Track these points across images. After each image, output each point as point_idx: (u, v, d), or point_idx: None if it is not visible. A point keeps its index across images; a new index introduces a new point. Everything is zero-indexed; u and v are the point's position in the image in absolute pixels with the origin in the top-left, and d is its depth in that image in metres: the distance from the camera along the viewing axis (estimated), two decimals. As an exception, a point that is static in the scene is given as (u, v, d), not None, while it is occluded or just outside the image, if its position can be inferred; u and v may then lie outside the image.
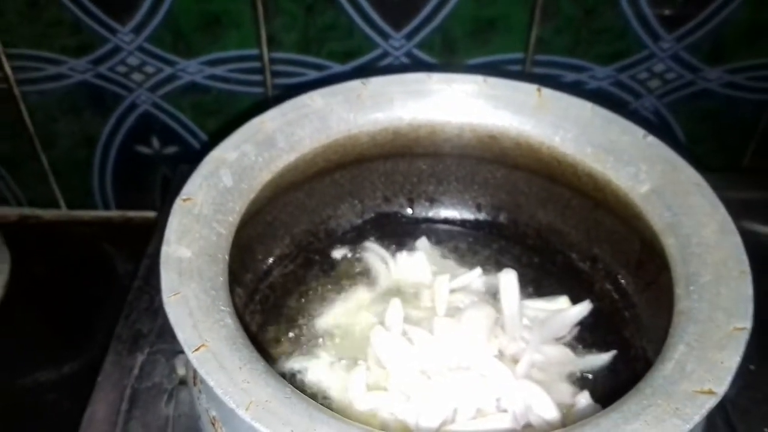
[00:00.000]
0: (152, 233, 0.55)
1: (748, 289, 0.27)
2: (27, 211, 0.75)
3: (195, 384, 0.30)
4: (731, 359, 0.24)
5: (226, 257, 0.30)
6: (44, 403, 0.58)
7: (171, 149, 0.69)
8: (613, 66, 0.61)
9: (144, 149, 0.69)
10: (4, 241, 0.69)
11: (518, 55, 0.61)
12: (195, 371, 0.31)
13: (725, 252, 0.29)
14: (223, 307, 0.27)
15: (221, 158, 0.33)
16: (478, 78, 0.39)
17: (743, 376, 0.42)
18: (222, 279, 0.28)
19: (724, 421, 0.40)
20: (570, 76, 0.62)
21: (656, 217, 0.32)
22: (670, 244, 0.30)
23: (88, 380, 0.49)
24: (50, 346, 0.66)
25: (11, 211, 0.75)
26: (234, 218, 0.31)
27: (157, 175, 0.72)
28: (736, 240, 0.29)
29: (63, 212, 0.75)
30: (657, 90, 0.63)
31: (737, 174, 0.66)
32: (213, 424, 0.28)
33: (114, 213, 0.75)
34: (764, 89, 0.64)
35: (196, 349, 0.24)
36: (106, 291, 0.71)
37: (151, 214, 0.75)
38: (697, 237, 0.30)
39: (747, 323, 0.25)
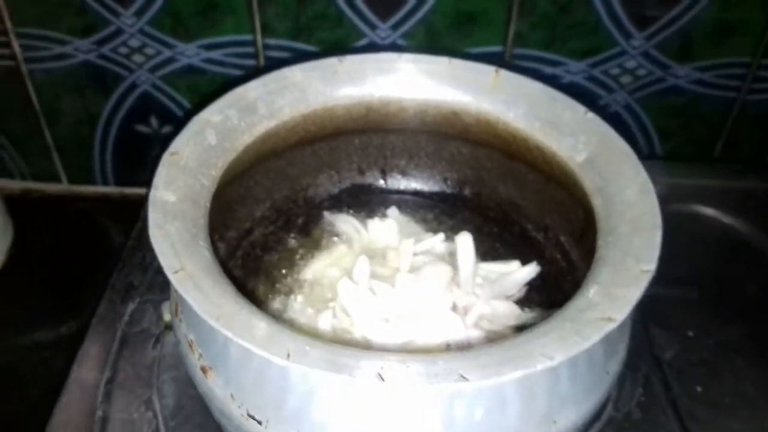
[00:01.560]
0: (144, 203, 0.59)
1: (657, 239, 0.30)
2: (30, 184, 0.78)
3: (177, 315, 0.34)
4: (633, 294, 0.28)
5: (207, 204, 0.34)
6: (41, 359, 0.61)
7: (168, 129, 0.72)
8: (587, 61, 0.64)
9: (143, 128, 0.72)
10: (8, 211, 0.73)
11: (497, 49, 0.64)
12: (176, 305, 0.35)
13: (642, 209, 0.32)
14: (201, 242, 0.31)
15: (207, 120, 0.37)
16: (444, 59, 0.43)
17: (682, 342, 0.46)
18: (203, 221, 0.32)
19: (660, 380, 0.44)
20: (546, 70, 0.65)
21: (589, 182, 0.36)
22: (597, 204, 0.34)
23: (82, 340, 0.52)
24: (48, 310, 0.70)
25: (15, 185, 0.78)
26: (216, 172, 0.35)
27: (154, 154, 0.75)
28: (653, 199, 0.33)
29: (64, 187, 0.78)
30: (628, 85, 0.66)
31: (699, 163, 0.69)
32: (191, 347, 0.32)
33: (112, 189, 0.78)
34: (731, 87, 0.66)
35: (176, 272, 0.28)
36: (102, 261, 0.74)
37: (146, 191, 0.78)
38: (620, 197, 0.34)
39: (652, 266, 0.29)
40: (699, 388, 0.44)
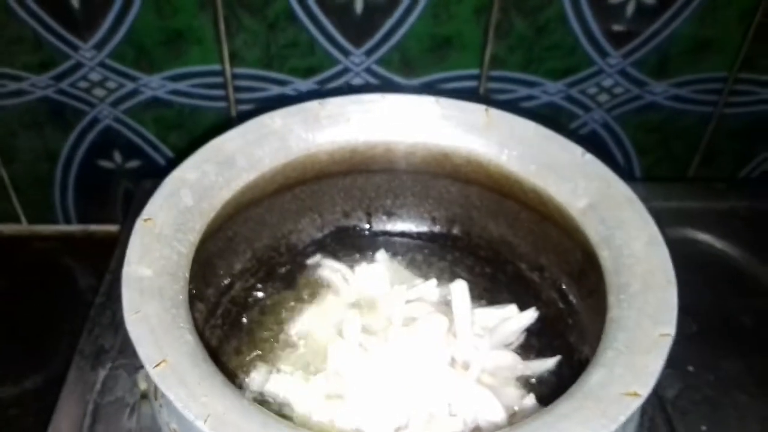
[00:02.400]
0: (114, 249, 0.55)
1: (673, 298, 0.29)
2: (-13, 225, 0.74)
3: (156, 398, 0.31)
4: (656, 363, 0.26)
5: (186, 275, 0.31)
6: (6, 418, 0.58)
7: (133, 163, 0.69)
8: (564, 81, 0.63)
9: (106, 164, 0.69)
10: (-36, 258, 0.68)
11: (474, 71, 0.63)
12: (156, 386, 0.32)
13: (654, 263, 0.31)
14: (183, 324, 0.28)
15: (182, 178, 0.34)
16: (430, 99, 0.41)
17: (682, 378, 0.45)
18: (182, 297, 0.29)
19: (664, 421, 0.42)
20: (523, 91, 0.64)
21: (592, 230, 0.34)
22: (604, 256, 0.33)
23: (51, 395, 0.49)
24: (12, 361, 0.66)
25: None
26: (194, 237, 0.33)
27: (119, 189, 0.72)
28: (664, 252, 0.31)
29: (24, 227, 0.74)
30: (606, 104, 0.66)
31: (682, 184, 0.68)
32: (174, 436, 0.30)
33: (75, 227, 0.75)
34: (708, 101, 0.67)
35: (157, 365, 0.25)
36: (68, 305, 0.71)
37: (112, 227, 0.75)
38: (629, 249, 0.32)
39: (671, 330, 0.28)
40: (704, 428, 0.43)
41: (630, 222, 0.33)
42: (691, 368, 0.45)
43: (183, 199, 0.33)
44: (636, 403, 0.25)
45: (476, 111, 0.40)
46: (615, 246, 0.33)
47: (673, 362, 0.45)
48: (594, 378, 0.27)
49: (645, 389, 0.25)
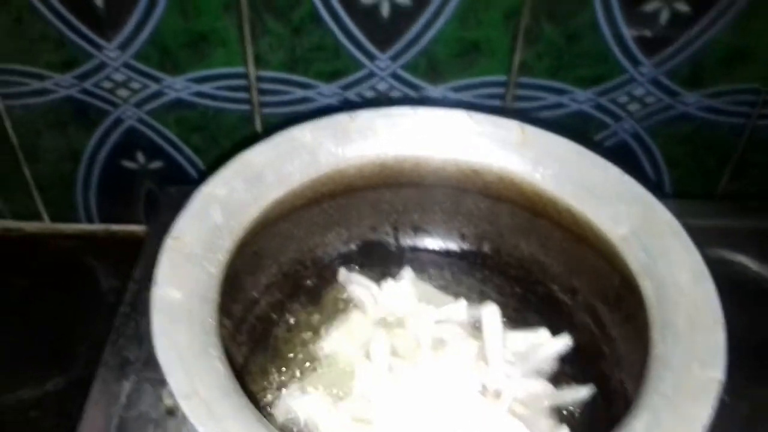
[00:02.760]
0: (136, 251, 0.55)
1: (721, 340, 0.28)
2: (9, 223, 0.74)
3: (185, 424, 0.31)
4: (704, 411, 0.25)
5: (216, 297, 0.30)
6: (27, 420, 0.58)
7: (156, 164, 0.69)
8: (594, 89, 0.62)
9: (129, 164, 0.69)
10: (-14, 255, 0.69)
11: (501, 78, 0.62)
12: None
13: (700, 299, 0.30)
14: (212, 351, 0.27)
15: (211, 194, 0.34)
16: (462, 113, 0.40)
17: (718, 410, 0.44)
18: (211, 320, 0.29)
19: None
20: (551, 99, 0.63)
21: (633, 258, 0.33)
22: (646, 286, 0.31)
23: (72, 397, 0.49)
24: (33, 363, 0.66)
25: None
26: (223, 256, 0.32)
27: (141, 190, 0.72)
28: (711, 287, 0.30)
29: (46, 225, 0.74)
30: (636, 113, 0.64)
31: (714, 202, 0.67)
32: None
33: (97, 226, 0.75)
34: (741, 113, 0.65)
35: (188, 398, 0.25)
36: (89, 306, 0.71)
37: (134, 227, 0.75)
38: (673, 282, 0.31)
39: (720, 374, 0.27)
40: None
41: (674, 252, 0.32)
42: (726, 398, 0.44)
43: (212, 217, 0.33)
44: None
45: (510, 127, 0.39)
46: (658, 277, 0.31)
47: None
48: (639, 425, 0.25)
49: (693, 439, 0.24)
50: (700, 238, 0.53)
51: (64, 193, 0.71)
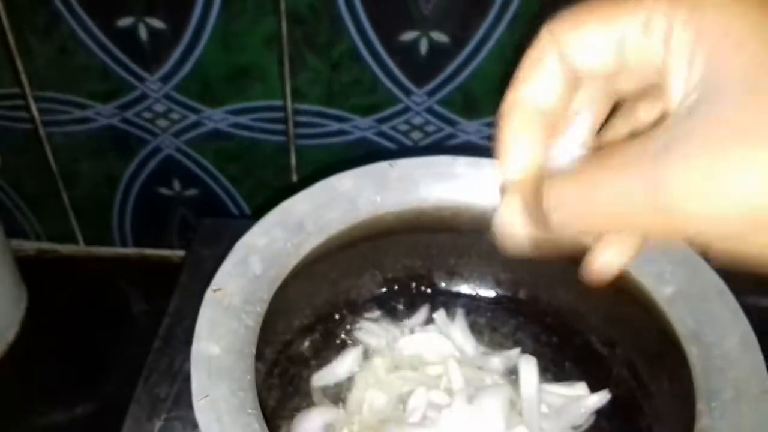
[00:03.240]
0: (172, 287, 0.55)
1: (769, 412, 0.27)
2: (45, 245, 0.76)
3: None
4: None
5: (254, 351, 0.30)
6: None
7: (192, 192, 0.70)
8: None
9: (165, 191, 0.70)
10: (22, 278, 0.70)
11: None
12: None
13: (747, 368, 0.29)
14: (251, 410, 0.27)
15: (251, 244, 0.34)
16: (504, 163, 0.40)
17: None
18: (249, 377, 0.29)
19: None
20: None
21: (679, 322, 0.32)
22: (692, 353, 0.31)
23: (101, 421, 0.49)
24: (64, 386, 0.67)
25: (30, 245, 0.76)
26: (262, 308, 0.32)
27: (176, 216, 0.73)
28: (759, 356, 0.29)
29: (81, 248, 0.76)
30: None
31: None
32: None
33: (131, 250, 0.76)
34: None
35: (225, 461, 0.25)
36: (120, 329, 0.71)
37: (167, 252, 0.76)
38: (719, 349, 0.30)
39: (769, 451, 0.26)
40: None
41: (721, 317, 0.31)
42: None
43: (252, 267, 0.33)
44: None
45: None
46: (705, 344, 0.30)
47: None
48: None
49: None
50: (732, 283, 0.51)
51: (99, 217, 0.73)
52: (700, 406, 0.29)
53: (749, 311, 0.49)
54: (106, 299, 0.75)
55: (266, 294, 0.32)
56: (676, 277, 0.33)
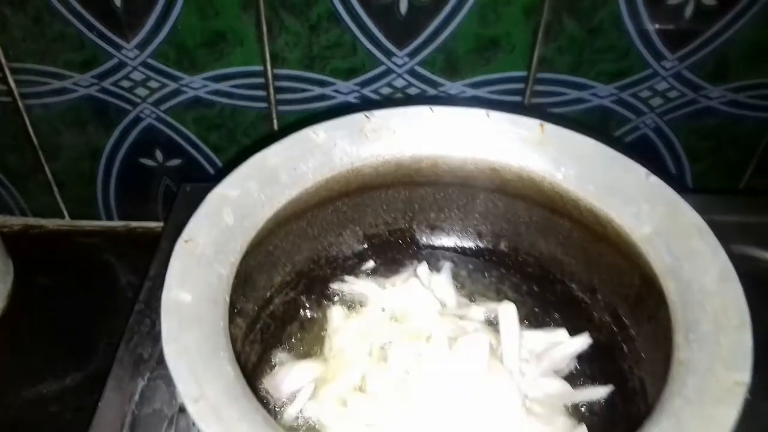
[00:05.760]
0: (154, 253, 0.55)
1: (747, 341, 0.27)
2: (31, 220, 0.75)
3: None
4: (728, 416, 0.24)
5: (227, 299, 0.30)
6: (47, 415, 0.58)
7: (174, 162, 0.70)
8: (616, 84, 0.61)
9: (148, 162, 0.70)
10: (8, 252, 0.70)
11: (521, 73, 0.61)
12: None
13: (726, 301, 0.29)
14: (222, 353, 0.27)
15: (224, 196, 0.33)
16: (481, 111, 0.39)
17: (743, 411, 0.43)
18: (222, 323, 0.28)
19: None
20: (572, 94, 0.62)
21: (657, 259, 0.32)
22: (670, 289, 0.30)
23: (90, 391, 0.49)
24: (52, 358, 0.67)
25: (15, 221, 0.75)
26: (235, 257, 0.32)
27: (160, 187, 0.72)
28: (737, 288, 0.29)
29: (66, 222, 0.75)
30: (659, 108, 0.63)
31: (738, 197, 0.66)
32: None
33: (117, 223, 0.75)
34: (765, 107, 0.64)
35: (196, 402, 0.24)
36: (108, 301, 0.71)
37: (153, 224, 0.76)
38: (698, 283, 0.30)
39: (746, 377, 0.26)
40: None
41: (700, 253, 0.31)
42: (749, 396, 0.42)
43: (224, 218, 0.32)
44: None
45: (530, 126, 0.38)
46: (683, 279, 0.30)
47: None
48: (661, 428, 0.25)
49: (717, 447, 0.23)
50: (723, 233, 0.51)
51: (84, 190, 0.72)
52: (678, 339, 0.28)
53: (741, 261, 0.49)
54: (93, 272, 0.74)
55: (239, 244, 0.32)
56: (653, 216, 0.33)
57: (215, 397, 0.25)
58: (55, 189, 0.73)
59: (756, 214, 0.57)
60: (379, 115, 0.38)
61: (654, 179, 0.35)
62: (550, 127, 0.38)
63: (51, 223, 0.76)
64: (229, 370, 0.27)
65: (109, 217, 0.75)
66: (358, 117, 0.38)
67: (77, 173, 0.71)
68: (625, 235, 0.34)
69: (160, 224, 0.74)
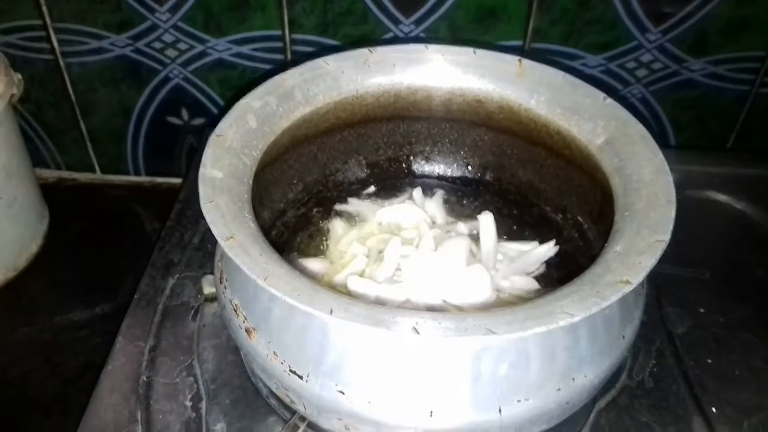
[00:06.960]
0: (181, 187, 0.62)
1: (671, 213, 0.33)
2: (65, 174, 0.81)
3: (221, 282, 0.37)
4: (648, 261, 0.30)
5: (250, 181, 0.36)
6: (77, 338, 0.63)
7: (198, 120, 0.75)
8: (604, 55, 0.66)
9: (174, 120, 0.75)
10: (44, 198, 0.76)
11: (517, 43, 0.66)
12: (222, 273, 0.38)
13: (658, 186, 0.35)
14: (247, 214, 0.33)
15: (248, 105, 0.40)
16: (469, 49, 0.46)
17: (692, 318, 0.49)
18: (246, 196, 0.35)
19: (672, 353, 0.46)
20: (564, 64, 0.67)
21: (607, 163, 0.38)
22: (615, 183, 0.37)
23: (117, 320, 0.55)
24: (83, 291, 0.72)
25: (50, 174, 0.81)
26: (257, 153, 0.38)
27: (184, 145, 0.78)
28: (668, 178, 0.35)
29: (97, 176, 0.81)
30: (644, 78, 0.68)
31: (709, 152, 0.70)
32: (235, 311, 0.35)
33: (143, 178, 0.81)
34: (744, 80, 0.68)
35: (227, 239, 0.31)
36: (135, 246, 0.77)
37: (176, 180, 0.81)
38: (637, 176, 0.36)
39: (666, 237, 0.32)
40: (709, 361, 0.46)
41: (641, 154, 0.37)
42: (702, 310, 0.49)
43: (249, 122, 0.39)
44: (626, 288, 0.29)
45: (510, 61, 0.44)
46: (625, 174, 0.37)
47: (685, 303, 0.49)
48: (593, 271, 0.31)
49: (636, 278, 0.29)
50: (692, 182, 0.57)
51: (114, 146, 0.78)
52: (617, 218, 0.35)
53: (703, 204, 0.54)
54: (121, 220, 0.79)
55: (261, 144, 0.39)
56: (607, 129, 0.40)
57: (242, 239, 0.31)
58: (89, 144, 0.78)
59: (723, 166, 0.62)
60: (381, 50, 0.45)
61: (610, 101, 0.41)
62: (527, 62, 0.44)
63: (83, 176, 0.81)
64: (252, 226, 0.33)
65: (137, 173, 0.81)
66: (362, 51, 0.44)
67: (110, 130, 0.77)
68: (584, 148, 0.41)
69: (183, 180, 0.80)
